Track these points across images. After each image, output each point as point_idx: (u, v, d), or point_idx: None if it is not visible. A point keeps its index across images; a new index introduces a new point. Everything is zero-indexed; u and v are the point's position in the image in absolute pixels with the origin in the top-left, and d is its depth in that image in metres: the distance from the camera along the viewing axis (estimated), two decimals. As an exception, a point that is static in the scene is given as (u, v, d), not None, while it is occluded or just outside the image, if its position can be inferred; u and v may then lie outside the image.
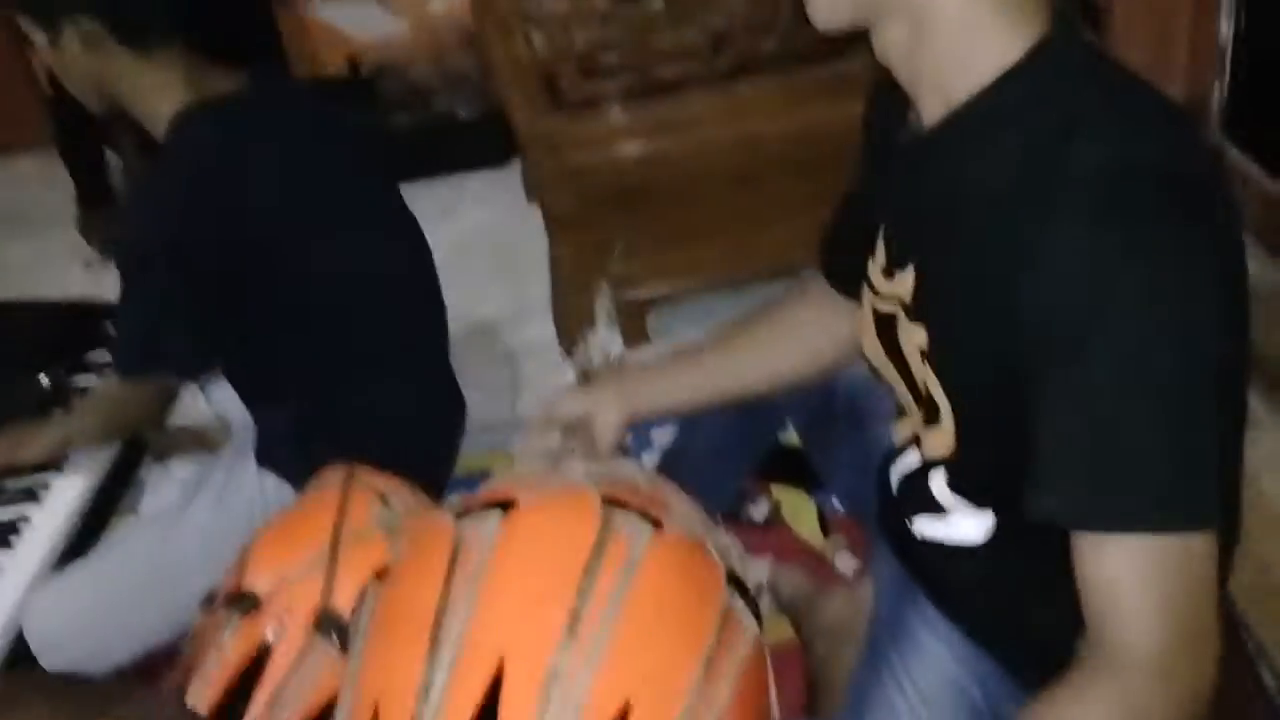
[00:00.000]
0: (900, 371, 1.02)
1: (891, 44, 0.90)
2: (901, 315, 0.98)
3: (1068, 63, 0.86)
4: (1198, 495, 0.80)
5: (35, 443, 1.69)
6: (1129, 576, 0.79)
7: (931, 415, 0.98)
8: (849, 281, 1.12)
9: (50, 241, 3.22)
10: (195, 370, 1.61)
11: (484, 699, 0.82)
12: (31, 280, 3.01)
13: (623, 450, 1.27)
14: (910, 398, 1.04)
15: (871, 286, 1.04)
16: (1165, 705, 0.80)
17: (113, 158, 3.20)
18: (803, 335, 1.25)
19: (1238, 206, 0.89)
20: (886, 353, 1.04)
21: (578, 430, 1.23)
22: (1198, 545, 0.79)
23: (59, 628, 1.50)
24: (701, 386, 1.27)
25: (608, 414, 1.23)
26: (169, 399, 1.62)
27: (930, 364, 0.95)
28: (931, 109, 0.90)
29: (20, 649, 1.53)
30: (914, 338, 0.96)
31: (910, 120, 0.95)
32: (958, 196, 0.89)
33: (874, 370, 1.10)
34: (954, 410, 0.94)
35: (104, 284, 2.84)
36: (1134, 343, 0.77)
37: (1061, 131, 0.81)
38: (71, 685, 0.80)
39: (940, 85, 0.88)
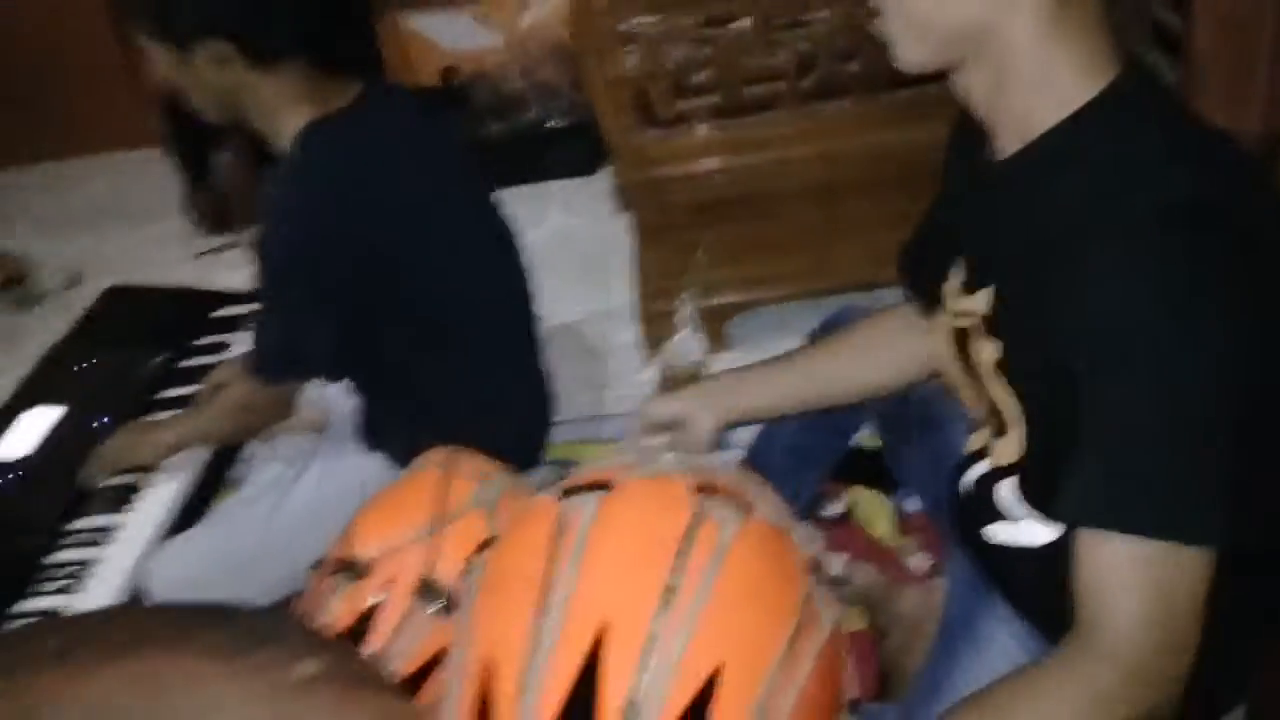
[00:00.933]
0: (974, 385, 1.09)
1: (972, 85, 0.98)
2: (978, 330, 1.04)
3: (1134, 105, 0.92)
4: (1201, 513, 0.85)
5: (167, 438, 1.79)
6: (1121, 576, 0.85)
7: (1000, 427, 1.05)
8: (928, 296, 1.19)
9: (152, 232, 3.35)
10: (332, 373, 1.69)
11: (587, 658, 0.90)
12: (135, 268, 3.11)
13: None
14: (982, 410, 1.10)
15: (949, 303, 1.11)
16: (1127, 700, 0.85)
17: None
18: (890, 349, 1.31)
19: None
20: (962, 367, 1.10)
21: (673, 433, 1.31)
22: (1192, 560, 0.85)
23: (176, 588, 1.61)
24: (792, 393, 1.34)
25: (702, 418, 1.31)
26: (296, 397, 1.70)
27: (1003, 375, 1.02)
28: (1008, 143, 0.98)
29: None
30: (988, 351, 1.03)
31: (988, 150, 1.02)
32: (1028, 224, 0.96)
33: (949, 385, 1.16)
34: (1022, 420, 1.01)
35: (209, 272, 3.01)
36: (1162, 371, 0.84)
37: (1121, 170, 0.88)
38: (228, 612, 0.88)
39: (1017, 123, 0.96)
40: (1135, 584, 0.84)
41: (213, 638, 0.79)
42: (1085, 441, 0.88)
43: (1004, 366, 1.01)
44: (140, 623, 0.86)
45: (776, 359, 1.37)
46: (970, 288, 1.06)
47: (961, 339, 1.08)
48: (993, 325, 1.02)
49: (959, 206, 1.13)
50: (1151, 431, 0.85)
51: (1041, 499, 1.03)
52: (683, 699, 0.88)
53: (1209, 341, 0.84)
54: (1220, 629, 0.87)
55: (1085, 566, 0.88)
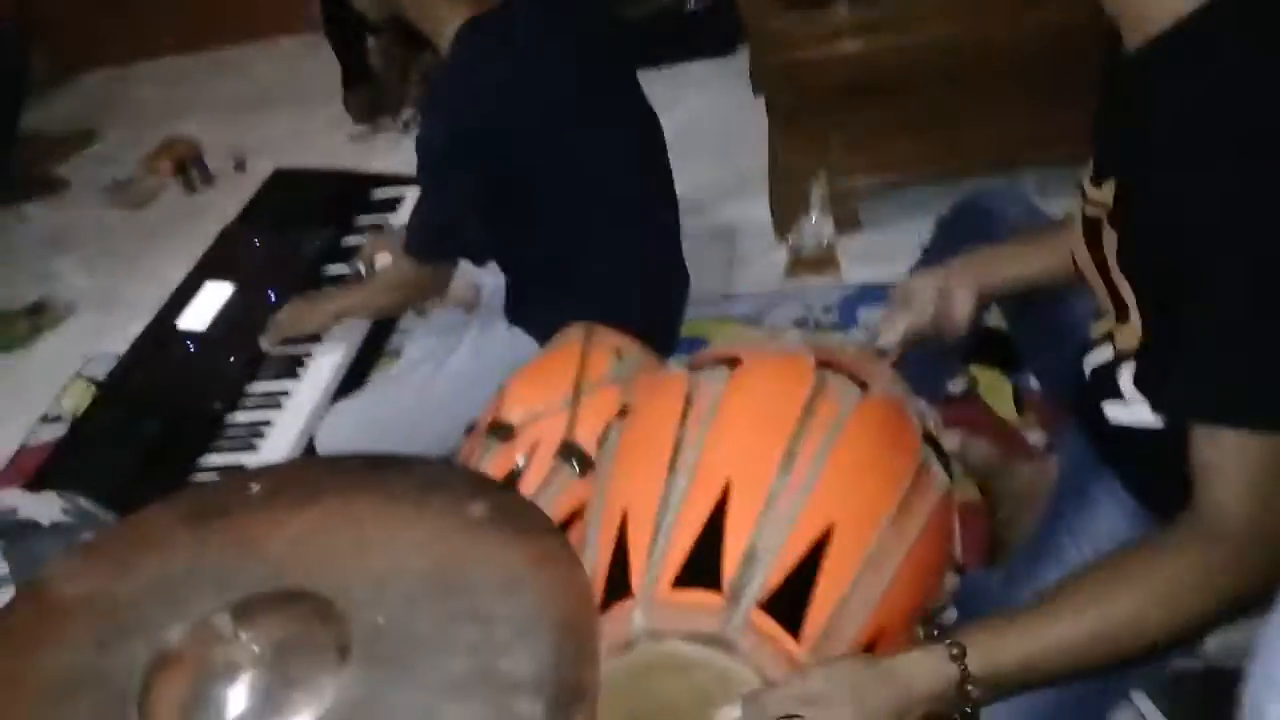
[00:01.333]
0: (1101, 273, 1.12)
1: None
2: (1105, 221, 1.07)
3: (1257, 2, 0.91)
4: None
5: (332, 308, 1.96)
6: (1233, 464, 0.90)
7: (1122, 314, 1.08)
8: None
9: (311, 115, 3.51)
10: (484, 254, 1.82)
11: (713, 512, 1.00)
12: (296, 150, 3.29)
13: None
14: (1108, 298, 1.13)
15: (1083, 193, 1.13)
16: (1236, 573, 0.91)
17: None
18: None
19: None
20: (1090, 255, 1.13)
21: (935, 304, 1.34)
22: None
23: (344, 444, 1.77)
24: (1040, 267, 1.35)
25: (963, 288, 1.34)
26: (450, 276, 1.84)
27: (1121, 267, 1.05)
28: (1132, 38, 0.99)
29: (310, 462, 1.82)
30: (1111, 242, 1.06)
31: (1122, 45, 1.02)
32: (1148, 118, 0.97)
33: (1079, 272, 1.19)
34: (1140, 312, 1.05)
35: (365, 155, 3.15)
36: (1272, 269, 0.86)
37: (1240, 66, 0.89)
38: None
39: (1139, 17, 0.96)
40: (1245, 472, 0.89)
41: (394, 483, 0.91)
42: (1194, 338, 0.92)
43: (1121, 258, 1.05)
44: (328, 471, 0.99)
45: (1023, 237, 1.40)
46: (1097, 180, 1.09)
47: (1092, 229, 1.10)
48: (1115, 217, 1.04)
49: (1099, 99, 1.14)
50: (1259, 330, 0.88)
51: (1153, 389, 1.07)
52: (797, 551, 0.97)
53: None
54: None
55: (1198, 455, 0.92)
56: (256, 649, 0.69)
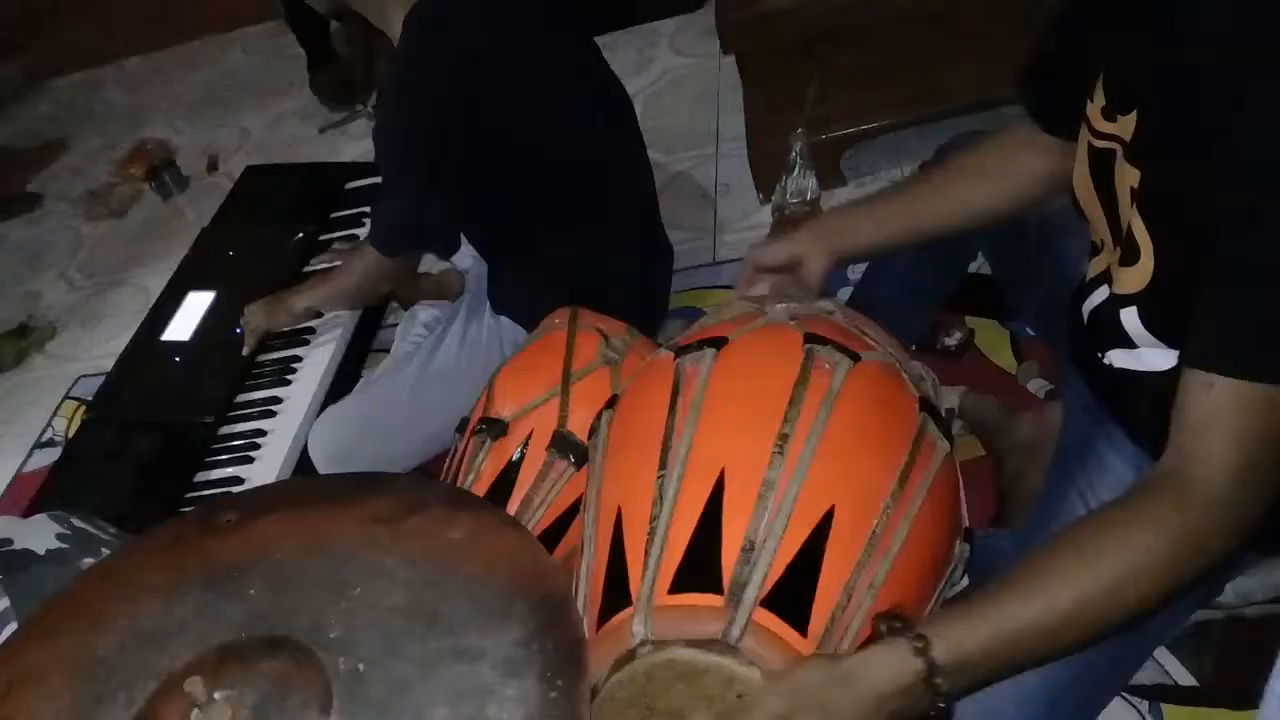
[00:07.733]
0: (1106, 209, 1.06)
1: None
2: (1120, 155, 1.00)
3: None
4: None
5: (301, 302, 1.93)
6: (1224, 415, 0.84)
7: (1130, 255, 1.01)
8: (1053, 114, 1.15)
9: (280, 107, 3.46)
10: (450, 245, 1.77)
11: (707, 507, 0.96)
12: (271, 144, 3.26)
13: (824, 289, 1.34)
14: (1110, 236, 1.07)
15: (1090, 125, 1.06)
16: (1217, 540, 0.85)
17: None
18: (1010, 170, 1.26)
19: None
20: (1096, 190, 1.07)
21: (786, 274, 1.31)
22: None
23: (337, 449, 1.75)
24: (906, 224, 1.30)
25: (814, 258, 1.29)
26: (417, 265, 1.80)
27: (1139, 204, 0.98)
28: None
29: (304, 467, 1.80)
30: (1128, 178, 0.99)
31: None
32: (1183, 45, 0.89)
33: (1077, 206, 1.13)
34: (1155, 251, 0.97)
35: (338, 144, 3.10)
36: None
37: None
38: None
39: None
40: (1243, 429, 0.84)
41: (371, 505, 0.88)
42: (1217, 282, 0.85)
43: (1140, 195, 0.98)
44: (303, 495, 0.96)
45: (888, 190, 1.34)
46: (1112, 112, 1.02)
47: (1102, 162, 1.04)
48: (1135, 151, 0.98)
49: (1102, 25, 1.05)
50: None
51: (1165, 330, 1.02)
52: (798, 539, 0.94)
53: None
54: None
55: (1193, 408, 0.87)
56: (231, 711, 0.66)
